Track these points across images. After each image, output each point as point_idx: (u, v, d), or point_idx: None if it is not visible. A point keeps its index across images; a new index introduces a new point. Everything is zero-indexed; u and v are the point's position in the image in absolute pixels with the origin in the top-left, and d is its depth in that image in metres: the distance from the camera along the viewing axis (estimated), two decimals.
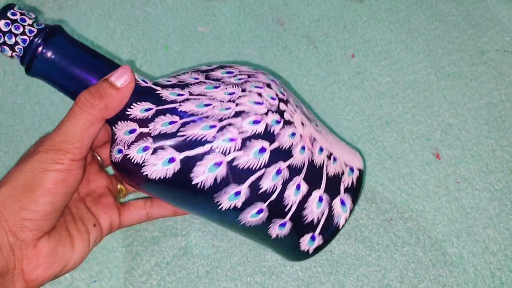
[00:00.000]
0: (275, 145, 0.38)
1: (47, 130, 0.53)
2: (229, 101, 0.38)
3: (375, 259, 0.49)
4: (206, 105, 0.38)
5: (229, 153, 0.37)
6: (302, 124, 0.40)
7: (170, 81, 0.40)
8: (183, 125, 0.37)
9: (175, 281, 0.49)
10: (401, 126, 0.53)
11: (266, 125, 0.38)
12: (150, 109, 0.38)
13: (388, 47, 0.55)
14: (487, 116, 0.53)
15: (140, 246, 0.50)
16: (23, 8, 0.39)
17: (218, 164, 0.37)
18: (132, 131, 0.38)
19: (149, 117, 0.38)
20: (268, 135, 0.38)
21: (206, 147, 0.37)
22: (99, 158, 0.45)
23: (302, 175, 0.39)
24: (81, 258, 0.40)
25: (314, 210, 0.40)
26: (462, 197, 0.51)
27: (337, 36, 0.56)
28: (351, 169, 0.42)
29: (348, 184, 0.41)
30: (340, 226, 0.41)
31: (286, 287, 0.49)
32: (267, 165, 0.38)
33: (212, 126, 0.37)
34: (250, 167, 0.38)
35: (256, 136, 0.38)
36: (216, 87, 0.39)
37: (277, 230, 0.41)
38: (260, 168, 0.38)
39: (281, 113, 0.39)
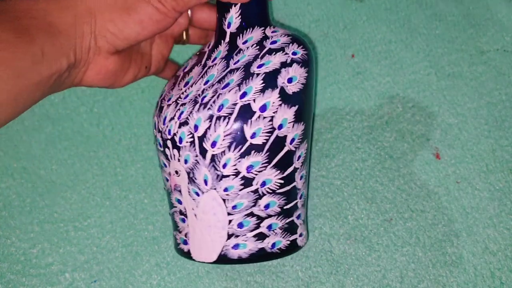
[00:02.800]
0: (157, 148, 0.44)
1: (47, 130, 0.53)
2: (177, 98, 0.42)
3: (375, 259, 0.49)
4: (185, 84, 0.43)
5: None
6: (177, 172, 0.42)
7: (246, 41, 0.42)
8: (176, 76, 0.45)
9: (175, 281, 0.49)
10: (401, 126, 0.53)
11: (156, 135, 0.43)
12: (209, 46, 0.44)
13: (388, 47, 0.55)
14: (487, 116, 0.53)
15: (140, 246, 0.50)
16: None
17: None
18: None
19: (203, 50, 0.45)
20: (155, 139, 0.44)
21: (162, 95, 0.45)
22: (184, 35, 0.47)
23: (164, 186, 0.45)
24: (122, 85, 0.43)
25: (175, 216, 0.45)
26: (462, 197, 0.51)
27: (337, 36, 0.56)
28: (185, 242, 0.43)
29: (177, 239, 0.44)
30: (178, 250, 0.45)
31: (286, 287, 0.49)
32: (158, 150, 0.44)
33: (162, 94, 0.45)
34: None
35: (155, 131, 0.43)
36: (206, 83, 0.41)
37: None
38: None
39: (165, 145, 0.42)
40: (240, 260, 0.42)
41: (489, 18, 0.56)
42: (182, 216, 0.43)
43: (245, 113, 0.39)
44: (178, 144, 0.41)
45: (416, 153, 0.52)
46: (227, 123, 0.39)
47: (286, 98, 0.40)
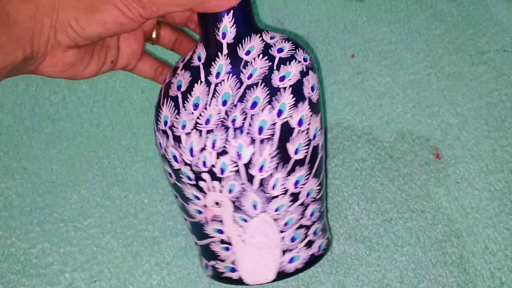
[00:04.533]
0: (178, 184, 0.41)
1: (47, 131, 0.53)
2: (195, 124, 0.39)
3: (375, 259, 0.49)
4: (195, 106, 0.39)
5: (160, 149, 0.41)
6: (217, 203, 0.40)
7: (249, 52, 0.40)
8: (172, 99, 0.40)
9: (175, 281, 0.49)
10: (401, 126, 0.53)
11: (179, 169, 0.40)
12: (200, 59, 0.40)
13: (388, 47, 0.55)
14: (487, 116, 0.53)
15: (140, 246, 0.50)
16: None
17: (161, 146, 0.41)
18: (181, 60, 0.42)
19: (191, 65, 0.41)
20: (177, 175, 0.40)
21: (160, 125, 0.41)
22: (154, 34, 0.46)
23: (190, 219, 0.43)
24: (86, 77, 0.42)
25: (198, 247, 0.44)
26: (462, 197, 0.51)
27: (337, 36, 0.56)
28: (233, 270, 0.42)
29: (219, 269, 0.43)
30: (206, 274, 0.44)
31: (286, 287, 0.49)
32: (172, 185, 0.42)
33: (165, 123, 0.40)
34: (164, 169, 0.42)
35: (169, 164, 0.40)
36: (224, 103, 0.39)
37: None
38: (167, 179, 0.43)
39: (198, 178, 0.39)
40: (297, 271, 0.42)
41: (489, 19, 0.56)
42: (225, 245, 0.41)
43: (286, 131, 0.38)
44: (219, 175, 0.38)
45: (416, 153, 0.52)
46: (272, 144, 0.38)
47: (313, 108, 0.40)
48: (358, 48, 0.56)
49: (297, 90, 0.39)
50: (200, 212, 0.41)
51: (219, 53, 0.39)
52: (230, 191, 0.39)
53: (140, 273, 0.49)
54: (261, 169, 0.38)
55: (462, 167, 0.52)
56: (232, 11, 0.39)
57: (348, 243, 0.50)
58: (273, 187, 0.39)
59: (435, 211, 0.50)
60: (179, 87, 0.40)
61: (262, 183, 0.39)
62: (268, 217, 0.40)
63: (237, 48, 0.39)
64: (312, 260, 0.43)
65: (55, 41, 0.38)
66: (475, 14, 0.56)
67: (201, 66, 0.40)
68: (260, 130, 0.38)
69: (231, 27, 0.39)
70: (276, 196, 0.39)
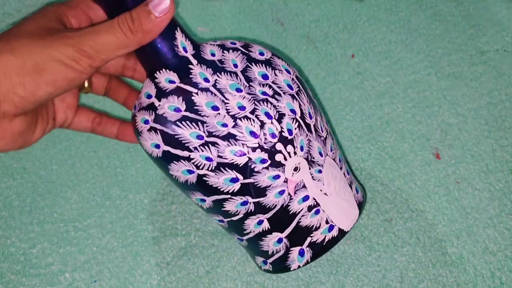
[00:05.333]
0: (249, 180, 0.38)
1: None
2: (233, 116, 0.38)
3: (375, 259, 0.49)
4: (214, 108, 0.38)
5: (202, 168, 0.38)
6: (295, 169, 0.39)
7: (214, 54, 0.40)
8: (181, 120, 0.38)
9: (175, 281, 0.49)
10: (401, 126, 0.53)
11: (249, 160, 0.38)
12: (173, 82, 0.39)
13: (388, 47, 0.55)
14: (487, 116, 0.53)
15: (140, 246, 0.50)
16: None
17: (190, 172, 0.39)
18: (149, 96, 0.39)
19: (167, 90, 0.39)
20: (246, 170, 0.38)
21: (185, 153, 0.38)
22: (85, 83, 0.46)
23: (268, 215, 0.40)
24: (33, 142, 0.41)
25: (271, 245, 0.41)
26: (462, 197, 0.51)
27: (337, 36, 0.56)
28: (331, 227, 0.41)
29: (316, 240, 0.41)
30: (291, 269, 0.42)
31: (286, 287, 0.49)
32: (235, 194, 0.39)
33: (200, 137, 0.38)
34: (218, 187, 0.39)
35: (232, 166, 0.38)
36: (239, 90, 0.38)
37: (236, 240, 0.43)
38: (226, 193, 0.39)
39: (272, 153, 0.38)
40: (364, 198, 0.45)
41: (489, 19, 0.56)
42: (314, 209, 0.40)
43: (300, 80, 0.42)
44: (290, 137, 0.38)
45: (416, 153, 0.52)
46: (303, 93, 0.41)
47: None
48: (358, 48, 0.56)
49: (276, 55, 0.42)
50: (281, 192, 0.39)
51: (189, 66, 0.39)
52: (302, 148, 0.39)
53: (140, 273, 0.49)
54: (310, 116, 0.40)
55: (462, 167, 0.52)
56: (177, 27, 0.40)
57: (348, 243, 0.50)
58: (321, 130, 0.41)
59: (435, 211, 0.50)
60: (176, 110, 0.38)
61: (316, 128, 0.40)
62: (329, 159, 0.41)
63: (202, 55, 0.40)
64: (364, 191, 0.46)
65: (0, 113, 0.36)
66: (475, 14, 0.56)
67: (182, 85, 0.39)
68: (289, 86, 0.40)
69: (186, 40, 0.40)
70: (326, 137, 0.41)
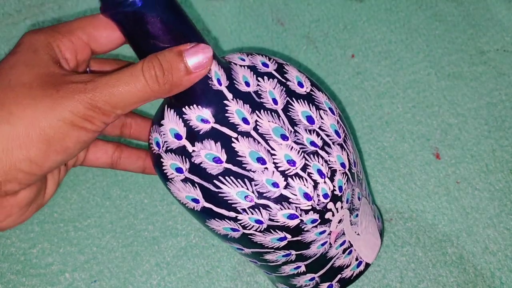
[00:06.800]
0: (297, 238, 0.36)
1: None
2: (283, 173, 0.33)
3: (375, 259, 0.49)
4: (260, 160, 0.33)
5: (249, 229, 0.35)
6: (340, 221, 0.37)
7: (249, 83, 0.34)
8: (224, 174, 0.33)
9: (175, 281, 0.49)
10: (401, 126, 0.53)
11: (300, 222, 0.34)
12: (206, 121, 0.33)
13: (388, 47, 0.55)
14: (487, 116, 0.53)
15: (140, 246, 0.50)
16: None
17: (234, 230, 0.35)
18: (177, 136, 0.34)
19: (201, 132, 0.33)
20: (296, 230, 0.35)
21: (231, 214, 0.34)
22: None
23: (307, 262, 0.38)
24: (48, 200, 0.35)
25: (301, 282, 0.40)
26: (462, 197, 0.51)
27: (337, 36, 0.56)
28: (359, 263, 0.40)
29: (346, 276, 0.40)
30: None
31: None
32: (279, 249, 0.36)
33: (249, 198, 0.33)
34: (263, 244, 0.36)
35: (283, 228, 0.35)
36: (284, 137, 0.34)
37: (263, 271, 0.42)
38: (271, 248, 0.36)
39: (323, 212, 0.35)
40: (383, 227, 0.44)
41: (489, 19, 0.56)
42: (348, 250, 0.39)
43: (342, 120, 0.38)
44: (340, 193, 0.35)
45: (416, 153, 0.52)
46: (349, 138, 0.37)
47: None
48: (358, 48, 0.56)
49: (315, 85, 0.37)
50: (323, 244, 0.37)
51: (224, 102, 0.33)
52: (347, 200, 0.36)
53: (140, 273, 0.49)
54: (355, 164, 0.37)
55: (462, 167, 0.52)
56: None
57: None
58: (360, 172, 0.38)
59: (435, 211, 0.50)
60: (217, 160, 0.33)
61: (357, 174, 0.37)
62: (364, 199, 0.39)
63: (236, 85, 0.34)
64: (381, 215, 0.46)
65: (1, 192, 0.30)
66: (475, 14, 0.56)
67: (218, 126, 0.33)
68: (337, 133, 0.36)
69: (219, 69, 0.33)
70: (362, 178, 0.39)
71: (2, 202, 0.30)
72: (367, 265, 0.41)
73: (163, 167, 0.35)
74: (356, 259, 0.40)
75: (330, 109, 0.36)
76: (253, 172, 0.33)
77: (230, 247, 0.49)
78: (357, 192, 0.38)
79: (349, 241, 0.39)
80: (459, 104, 0.54)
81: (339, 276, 0.40)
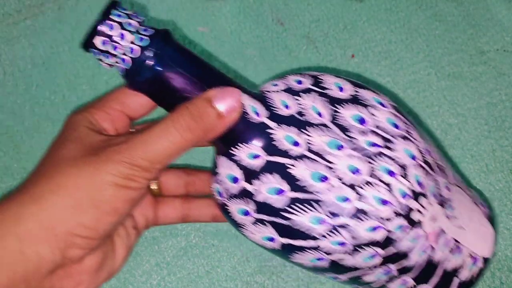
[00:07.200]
0: (391, 250, 0.33)
1: (47, 130, 0.53)
2: (350, 184, 0.31)
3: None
4: (322, 178, 0.32)
5: (334, 254, 0.33)
6: (433, 219, 0.34)
7: (288, 105, 0.33)
8: (291, 204, 0.32)
9: (175, 281, 0.49)
10: None
11: (387, 232, 0.32)
12: (258, 156, 0.32)
13: (388, 47, 0.55)
14: (487, 116, 0.53)
15: (140, 246, 0.50)
16: (126, 8, 0.32)
17: (320, 259, 0.33)
18: (235, 180, 0.33)
19: (256, 169, 0.32)
20: (385, 242, 0.32)
21: (311, 243, 0.32)
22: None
23: (413, 274, 0.35)
24: (121, 266, 0.35)
25: None
26: None
27: (337, 36, 0.56)
28: (475, 261, 0.37)
29: (465, 279, 0.37)
30: None
31: (286, 287, 0.49)
32: (375, 267, 0.34)
33: (323, 222, 0.32)
34: (356, 266, 0.33)
35: (371, 244, 0.32)
36: (340, 147, 0.32)
37: None
38: (366, 269, 0.34)
39: (408, 214, 0.32)
40: (492, 211, 0.41)
41: (489, 19, 0.56)
42: (457, 250, 0.36)
43: (400, 109, 0.37)
44: (419, 189, 0.33)
45: None
46: (412, 127, 0.35)
47: None
48: (358, 48, 0.56)
49: (358, 85, 0.35)
50: (424, 249, 0.34)
51: (268, 131, 0.32)
52: (433, 194, 0.34)
53: (140, 273, 0.49)
54: (428, 152, 0.34)
55: (462, 167, 0.52)
56: (243, 91, 0.33)
57: None
58: (439, 160, 0.35)
59: None
60: (279, 192, 0.32)
61: (436, 163, 0.35)
62: (455, 187, 0.36)
63: (276, 112, 0.33)
64: (486, 200, 0.43)
65: (66, 261, 0.30)
66: (475, 14, 0.56)
67: (270, 157, 0.32)
68: (395, 125, 0.33)
69: (254, 102, 0.33)
70: (445, 166, 0.36)
71: (69, 271, 0.31)
72: (486, 260, 0.37)
73: (231, 215, 0.34)
74: (470, 256, 0.36)
75: (381, 103, 0.34)
76: (319, 193, 0.31)
77: (230, 247, 0.49)
78: (443, 181, 0.34)
79: (453, 238, 0.35)
80: (459, 104, 0.54)
81: (457, 280, 0.36)
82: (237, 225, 0.34)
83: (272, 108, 0.33)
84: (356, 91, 0.34)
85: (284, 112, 0.33)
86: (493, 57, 0.55)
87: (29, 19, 0.56)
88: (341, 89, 0.34)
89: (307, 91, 0.34)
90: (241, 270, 0.49)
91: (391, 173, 0.32)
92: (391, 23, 0.56)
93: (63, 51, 0.55)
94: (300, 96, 0.34)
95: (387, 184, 0.32)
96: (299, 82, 0.35)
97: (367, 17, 0.57)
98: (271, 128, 0.32)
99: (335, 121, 0.33)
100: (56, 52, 0.55)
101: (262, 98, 0.34)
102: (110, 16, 0.31)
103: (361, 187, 0.31)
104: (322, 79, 0.35)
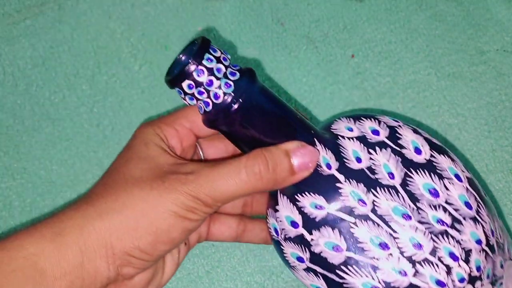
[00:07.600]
0: None
1: (47, 130, 0.53)
2: (409, 258, 0.31)
3: None
4: (382, 245, 0.31)
5: None
6: None
7: (360, 158, 0.32)
8: (346, 263, 0.31)
9: (175, 281, 0.49)
10: None
11: None
12: (321, 208, 0.32)
13: (388, 47, 0.55)
14: (487, 116, 0.53)
15: None
16: (216, 49, 0.31)
17: None
18: (294, 224, 0.32)
19: (317, 220, 0.32)
20: None
21: None
22: None
23: None
24: (168, 281, 0.36)
25: None
26: None
27: (337, 36, 0.56)
28: None
29: None
30: None
31: (286, 287, 0.49)
32: None
33: None
34: None
35: None
36: (406, 217, 0.31)
37: None
38: None
39: None
40: None
41: (489, 19, 0.56)
42: None
43: (472, 179, 0.35)
44: (477, 274, 0.32)
45: None
46: (483, 206, 0.33)
47: None
48: (358, 48, 0.56)
49: (436, 148, 0.34)
50: None
51: (337, 185, 0.32)
52: (488, 276, 0.33)
53: None
54: (492, 233, 0.33)
55: None
56: (318, 141, 0.32)
57: None
58: (500, 237, 0.34)
59: None
60: (337, 249, 0.31)
61: (497, 242, 0.34)
62: (509, 262, 0.35)
63: (347, 164, 0.32)
64: None
65: (119, 277, 0.31)
66: (475, 14, 0.56)
67: (333, 212, 0.31)
68: (468, 205, 0.32)
69: (327, 153, 0.32)
70: (504, 241, 0.34)
71: (119, 286, 0.32)
72: None
73: (284, 255, 0.34)
74: None
75: (457, 175, 0.33)
76: (377, 259, 0.31)
77: (230, 247, 0.49)
78: (499, 261, 0.34)
79: None
80: (459, 104, 0.53)
81: None
82: (289, 266, 0.34)
83: (344, 159, 0.32)
84: (433, 156, 0.33)
85: (355, 165, 0.32)
86: (493, 57, 0.55)
87: (29, 19, 0.56)
88: (418, 150, 0.33)
89: (382, 145, 0.33)
90: (241, 270, 0.49)
91: (453, 256, 0.31)
92: (391, 23, 0.56)
93: (63, 51, 0.55)
94: (374, 150, 0.33)
95: (447, 267, 0.31)
96: (375, 132, 0.33)
97: (367, 17, 0.57)
98: (339, 182, 0.32)
99: (405, 187, 0.32)
100: (56, 52, 0.55)
101: (335, 145, 0.33)
102: (203, 62, 0.30)
103: (420, 264, 0.31)
104: (400, 134, 0.34)
